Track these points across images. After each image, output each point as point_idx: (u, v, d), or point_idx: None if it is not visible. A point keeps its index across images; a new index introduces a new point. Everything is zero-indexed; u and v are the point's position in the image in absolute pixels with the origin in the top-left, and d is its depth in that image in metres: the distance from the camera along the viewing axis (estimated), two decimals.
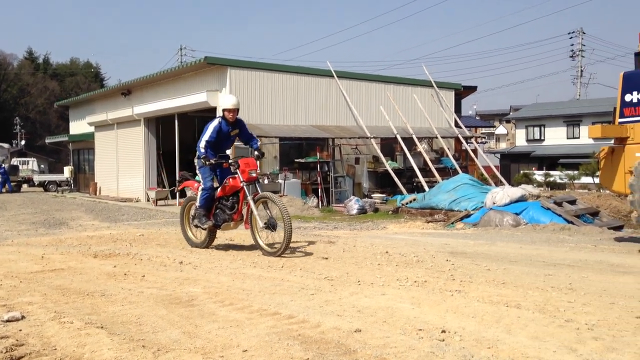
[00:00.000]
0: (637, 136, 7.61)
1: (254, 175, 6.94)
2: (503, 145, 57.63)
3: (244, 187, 6.90)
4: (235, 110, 7.20)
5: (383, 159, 19.10)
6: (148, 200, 21.34)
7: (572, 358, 3.07)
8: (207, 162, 6.98)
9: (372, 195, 17.75)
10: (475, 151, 22.73)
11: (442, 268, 5.90)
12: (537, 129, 45.10)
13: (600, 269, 5.77)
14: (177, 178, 10.21)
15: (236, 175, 6.97)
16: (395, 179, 18.42)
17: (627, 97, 7.73)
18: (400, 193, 17.87)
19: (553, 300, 4.39)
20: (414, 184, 19.57)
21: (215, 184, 7.28)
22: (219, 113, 7.29)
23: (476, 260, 6.45)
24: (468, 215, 11.82)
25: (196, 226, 7.40)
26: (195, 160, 7.25)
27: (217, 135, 7.08)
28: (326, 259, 6.49)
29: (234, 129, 7.31)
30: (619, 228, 10.66)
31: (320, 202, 17.22)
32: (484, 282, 5.11)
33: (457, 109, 26.79)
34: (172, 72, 20.78)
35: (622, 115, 7.84)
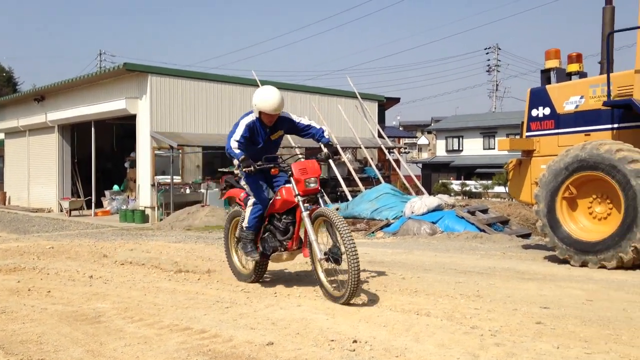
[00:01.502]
0: (543, 149, 8.04)
1: (313, 186, 4.96)
2: (425, 155, 59.45)
3: (300, 203, 4.93)
4: (277, 113, 5.25)
5: None
6: (61, 211, 20.40)
7: None
8: (248, 169, 4.97)
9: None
10: (397, 161, 23.30)
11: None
12: (456, 140, 46.90)
13: (507, 276, 6.03)
14: (221, 185, 7.82)
15: (290, 185, 5.08)
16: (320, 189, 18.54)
17: (534, 112, 8.16)
18: (325, 202, 17.99)
19: (461, 307, 4.54)
20: (338, 194, 19.78)
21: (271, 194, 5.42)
22: (255, 113, 5.25)
23: (392, 269, 6.59)
24: (388, 225, 12.08)
25: (246, 253, 5.51)
26: (236, 171, 5.49)
27: (250, 134, 5.22)
28: None
29: (274, 131, 5.39)
30: (526, 236, 11.22)
31: None
32: (398, 291, 5.22)
33: (381, 119, 27.40)
34: (89, 78, 20.04)
35: (529, 129, 8.26)
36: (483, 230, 10.58)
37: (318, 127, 5.52)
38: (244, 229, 5.38)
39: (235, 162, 5.12)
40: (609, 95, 6.92)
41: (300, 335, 3.79)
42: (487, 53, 53.19)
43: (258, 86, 20.26)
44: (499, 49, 52.43)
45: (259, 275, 5.65)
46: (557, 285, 5.49)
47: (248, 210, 5.35)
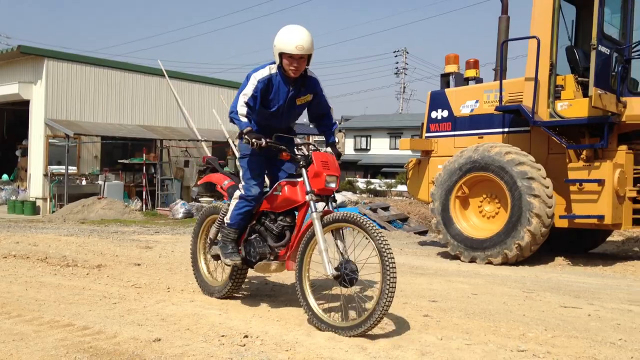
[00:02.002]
0: (440, 150, 8.37)
1: (332, 186, 3.91)
2: None
3: (312, 204, 3.80)
4: (305, 58, 3.94)
5: None
6: None
7: (361, 356, 3.25)
8: (252, 141, 3.83)
9: (201, 199, 17.46)
10: None
11: (258, 273, 5.92)
12: (364, 139, 47.98)
13: (401, 272, 6.19)
14: (201, 165, 5.68)
15: (298, 180, 4.00)
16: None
17: (433, 114, 8.48)
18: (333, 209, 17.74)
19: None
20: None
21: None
22: (275, 59, 4.00)
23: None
24: None
25: (215, 257, 4.50)
26: (237, 142, 4.34)
27: (263, 95, 4.01)
28: (138, 265, 6.20)
29: (301, 92, 4.12)
30: (424, 233, 11.67)
31: (144, 206, 16.53)
32: (294, 287, 5.22)
33: None
34: None
35: (428, 130, 8.57)
36: (383, 227, 10.87)
37: (336, 122, 4.45)
38: (225, 225, 4.28)
39: (238, 137, 4.09)
40: (500, 100, 7.30)
41: (190, 330, 3.70)
42: (395, 56, 54.81)
43: (164, 76, 19.81)
44: (407, 52, 54.10)
45: (234, 288, 4.53)
46: (446, 279, 5.73)
47: (233, 203, 4.23)
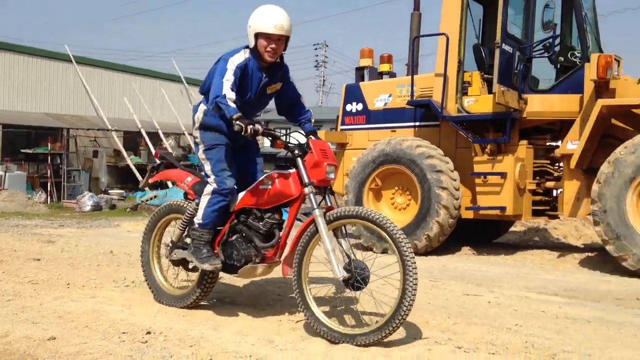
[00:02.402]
0: (355, 142, 8.45)
1: (332, 177, 3.57)
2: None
3: (312, 197, 3.49)
4: (283, 40, 3.68)
5: (125, 153, 18.22)
6: None
7: (268, 349, 3.22)
8: (247, 127, 3.35)
9: (110, 192, 16.79)
10: None
11: (166, 267, 5.75)
12: (284, 131, 47.74)
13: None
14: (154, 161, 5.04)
15: (290, 172, 3.63)
16: (138, 174, 17.72)
17: (348, 107, 8.55)
18: (143, 190, 17.22)
19: (266, 294, 4.58)
20: (158, 181, 19.05)
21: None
22: (249, 39, 3.69)
23: None
24: None
25: (176, 263, 4.07)
26: (197, 133, 3.86)
27: (239, 80, 3.64)
28: (38, 260, 5.86)
29: (273, 80, 3.85)
30: None
31: (49, 198, 15.68)
32: None
33: None
34: None
35: (343, 123, 8.64)
36: (300, 220, 10.89)
37: (306, 108, 4.10)
38: (197, 226, 3.78)
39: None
40: (412, 95, 7.47)
41: (89, 328, 3.53)
42: (315, 49, 55.02)
43: (71, 62, 18.84)
44: (327, 46, 54.44)
45: (203, 295, 4.02)
46: None
47: (204, 200, 3.75)
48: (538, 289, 5.10)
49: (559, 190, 7.13)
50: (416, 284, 3.17)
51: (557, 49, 6.90)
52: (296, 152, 3.54)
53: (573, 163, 6.32)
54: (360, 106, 8.38)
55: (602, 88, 6.35)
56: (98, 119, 18.79)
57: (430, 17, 8.33)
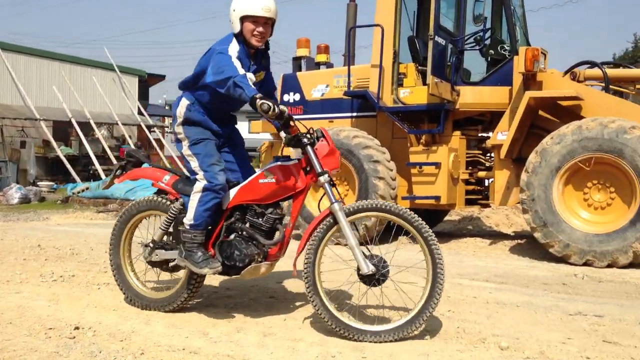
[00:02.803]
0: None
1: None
2: None
3: (327, 188, 3.30)
4: (269, 24, 3.52)
5: (55, 144, 17.51)
6: None
7: (202, 341, 3.18)
8: (274, 107, 3.11)
9: (39, 183, 16.11)
10: (159, 140, 22.57)
11: (96, 261, 5.58)
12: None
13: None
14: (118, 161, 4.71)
15: (291, 163, 3.44)
16: (68, 166, 17.09)
17: (285, 97, 8.50)
18: (74, 181, 16.62)
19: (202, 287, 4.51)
20: (91, 172, 18.44)
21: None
22: (233, 24, 3.49)
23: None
24: None
25: (154, 264, 3.83)
26: (180, 129, 3.63)
27: None
28: None
29: (259, 67, 3.68)
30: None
31: None
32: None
33: (144, 96, 26.22)
34: None
35: None
36: None
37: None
38: (188, 227, 3.51)
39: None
40: (349, 85, 7.51)
41: (13, 324, 3.38)
42: None
43: None
44: None
45: (191, 297, 3.75)
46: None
47: (194, 198, 3.48)
48: (470, 276, 5.25)
49: (490, 180, 7.35)
50: (443, 281, 3.15)
51: (487, 42, 7.09)
52: (305, 140, 3.31)
53: (503, 153, 6.53)
54: (297, 96, 8.35)
55: (530, 80, 6.58)
56: (25, 108, 17.97)
57: (367, 8, 8.39)
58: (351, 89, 7.53)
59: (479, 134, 7.58)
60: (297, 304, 4.01)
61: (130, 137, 21.28)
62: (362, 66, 7.80)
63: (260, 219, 3.50)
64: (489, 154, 7.47)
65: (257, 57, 3.62)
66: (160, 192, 3.90)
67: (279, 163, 3.46)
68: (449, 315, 3.80)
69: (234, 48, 3.41)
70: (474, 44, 7.04)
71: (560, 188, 5.96)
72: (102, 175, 16.73)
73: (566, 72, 6.73)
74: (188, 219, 3.51)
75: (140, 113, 22.67)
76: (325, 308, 3.24)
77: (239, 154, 3.82)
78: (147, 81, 26.44)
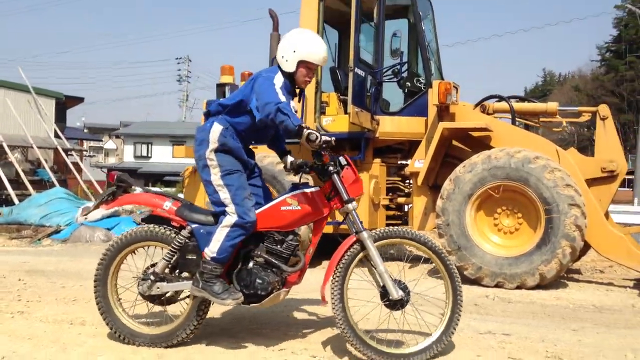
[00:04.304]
0: None
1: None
2: (112, 160, 56.99)
3: (354, 216, 3.39)
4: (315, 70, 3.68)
5: None
6: None
7: None
8: (323, 139, 3.25)
9: None
10: (77, 164, 21.80)
11: (10, 288, 5.36)
12: (145, 146, 46.30)
13: None
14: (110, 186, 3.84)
15: (310, 190, 3.48)
16: None
17: None
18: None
19: None
20: (3, 197, 17.52)
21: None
22: (287, 63, 3.50)
23: (53, 278, 6.11)
24: (58, 231, 11.18)
25: (149, 297, 3.62)
26: (212, 155, 3.51)
27: None
28: None
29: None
30: None
31: None
32: (54, 301, 4.85)
33: (61, 119, 25.29)
34: None
35: None
36: None
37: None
38: (209, 259, 3.41)
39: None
40: None
41: None
42: (178, 63, 53.84)
43: None
44: (190, 60, 53.64)
45: (199, 326, 3.63)
46: None
47: (222, 232, 3.39)
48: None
49: (409, 206, 7.65)
50: (462, 307, 3.36)
51: (404, 74, 7.43)
52: (330, 168, 3.38)
53: (420, 180, 6.84)
54: None
55: (444, 112, 6.96)
56: None
57: None
58: None
59: (398, 162, 7.89)
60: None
61: (46, 160, 20.45)
62: None
63: (280, 246, 3.47)
64: (407, 181, 7.78)
65: (294, 95, 3.64)
66: (152, 219, 3.69)
67: (301, 190, 3.46)
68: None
69: (279, 79, 3.43)
70: (392, 76, 7.36)
71: (472, 214, 6.29)
72: (15, 200, 15.95)
73: (476, 105, 7.17)
74: (211, 251, 3.41)
75: (57, 136, 21.84)
76: (359, 339, 3.31)
77: (261, 185, 3.77)
78: (64, 103, 25.55)
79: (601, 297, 5.64)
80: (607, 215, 6.78)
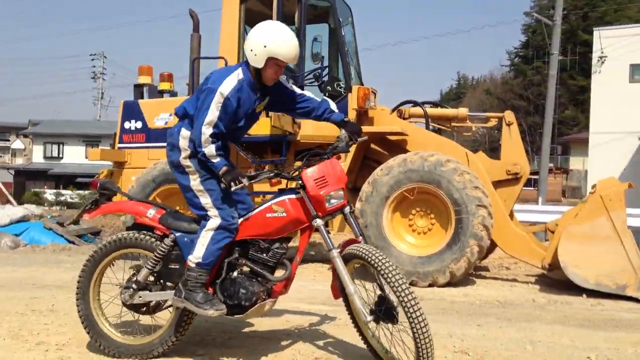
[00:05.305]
0: (134, 161, 8.25)
1: (336, 202, 3.29)
2: (20, 161, 53.96)
3: (323, 233, 3.25)
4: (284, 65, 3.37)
5: None
6: None
7: None
8: (239, 186, 3.17)
9: None
10: None
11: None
12: (55, 146, 44.28)
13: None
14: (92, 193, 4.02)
15: (295, 197, 3.29)
16: None
17: (126, 125, 8.31)
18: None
19: (30, 324, 4.28)
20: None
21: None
22: (256, 57, 3.26)
23: None
24: None
25: (132, 307, 3.52)
26: (188, 162, 3.36)
27: (234, 113, 3.30)
28: None
29: (264, 97, 3.49)
30: None
31: None
32: None
33: None
34: None
35: (121, 141, 8.37)
36: (72, 242, 10.21)
37: (318, 99, 3.63)
38: (194, 266, 3.29)
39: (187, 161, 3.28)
40: None
41: None
42: (92, 59, 51.77)
43: None
44: (105, 57, 51.73)
45: (182, 335, 3.52)
46: None
47: (207, 236, 3.28)
48: (308, 299, 5.53)
49: None
50: (429, 342, 2.98)
51: (325, 79, 7.58)
52: (297, 184, 3.26)
53: None
54: (139, 124, 8.22)
55: (363, 116, 7.17)
56: None
57: (213, 38, 8.54)
58: None
59: None
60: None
61: None
62: None
63: (266, 255, 3.34)
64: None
65: (263, 87, 3.43)
66: (137, 227, 3.60)
67: (288, 196, 3.31)
68: (286, 338, 4.01)
69: (228, 86, 3.23)
70: (313, 80, 7.48)
71: (389, 215, 6.52)
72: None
73: (393, 110, 7.44)
74: (196, 257, 3.29)
75: None
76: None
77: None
78: None
79: (505, 293, 6.02)
80: (511, 215, 7.23)
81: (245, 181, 3.13)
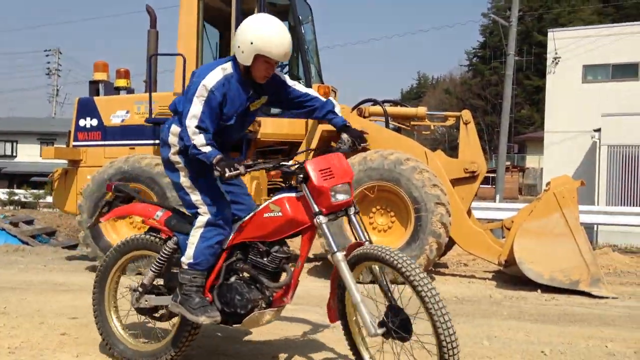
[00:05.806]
0: (89, 160, 8.05)
1: (343, 198, 2.95)
2: None
3: (325, 232, 2.92)
4: (276, 64, 3.16)
5: None
6: None
7: None
8: (228, 174, 2.84)
9: None
10: None
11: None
12: (9, 144, 43.01)
13: (41, 289, 5.79)
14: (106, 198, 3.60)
15: (302, 194, 2.97)
16: None
17: (81, 122, 8.11)
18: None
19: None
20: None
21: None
22: (243, 55, 3.05)
23: None
24: None
25: (143, 311, 3.39)
26: (177, 158, 3.20)
27: (219, 108, 3.07)
28: None
29: (259, 95, 3.27)
30: (74, 247, 11.05)
31: None
32: None
33: None
34: None
35: (76, 139, 8.16)
36: (26, 243, 9.93)
37: (323, 98, 3.41)
38: (186, 267, 3.13)
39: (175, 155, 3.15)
40: (150, 113, 7.44)
41: None
42: (47, 55, 50.38)
43: None
44: (60, 53, 50.42)
45: (189, 344, 3.32)
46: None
47: (196, 234, 3.12)
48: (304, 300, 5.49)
49: None
50: (455, 347, 2.76)
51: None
52: (299, 177, 2.96)
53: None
54: (95, 122, 8.04)
55: None
56: None
57: (170, 35, 8.41)
58: (153, 116, 7.47)
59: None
60: (94, 337, 3.88)
61: None
62: (164, 93, 7.77)
63: (265, 259, 3.09)
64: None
65: (257, 84, 3.23)
66: (152, 229, 3.52)
67: (287, 194, 3.05)
68: (244, 337, 3.99)
69: (212, 79, 3.04)
70: None
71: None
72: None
73: (354, 108, 7.46)
74: (187, 257, 3.13)
75: None
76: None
77: (239, 184, 3.42)
78: None
79: (463, 289, 6.12)
80: (469, 212, 7.35)
81: (242, 168, 2.85)
